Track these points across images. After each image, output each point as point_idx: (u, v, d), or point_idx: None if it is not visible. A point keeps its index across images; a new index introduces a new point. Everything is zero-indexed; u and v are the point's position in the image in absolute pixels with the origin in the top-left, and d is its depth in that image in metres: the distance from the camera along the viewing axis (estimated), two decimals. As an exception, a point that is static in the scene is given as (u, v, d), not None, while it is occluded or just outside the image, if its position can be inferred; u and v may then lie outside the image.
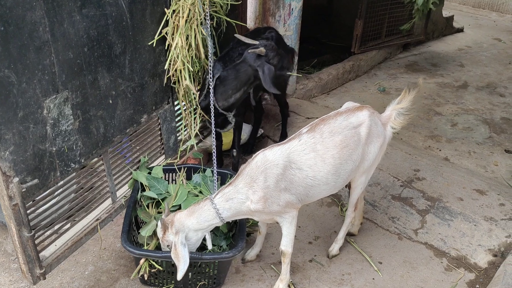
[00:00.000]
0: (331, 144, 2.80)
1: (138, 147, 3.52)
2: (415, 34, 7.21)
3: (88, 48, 2.73)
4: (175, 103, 3.79)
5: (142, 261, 2.85)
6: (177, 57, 3.38)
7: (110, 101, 3.02)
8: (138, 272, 2.86)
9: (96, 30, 2.75)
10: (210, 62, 3.39)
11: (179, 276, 2.63)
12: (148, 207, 3.30)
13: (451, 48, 7.62)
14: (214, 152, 3.26)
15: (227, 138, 4.30)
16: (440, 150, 4.63)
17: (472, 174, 4.06)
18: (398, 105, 3.10)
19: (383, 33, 6.75)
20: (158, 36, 3.27)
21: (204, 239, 2.90)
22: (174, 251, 2.68)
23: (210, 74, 3.37)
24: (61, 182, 2.81)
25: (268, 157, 2.72)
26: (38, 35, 2.39)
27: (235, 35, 3.55)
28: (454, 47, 7.68)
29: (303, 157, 2.76)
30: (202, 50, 3.54)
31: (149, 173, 3.48)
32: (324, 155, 2.78)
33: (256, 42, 3.38)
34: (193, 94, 3.71)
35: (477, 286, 3.18)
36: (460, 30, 8.45)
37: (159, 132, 3.70)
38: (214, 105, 3.57)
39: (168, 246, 2.79)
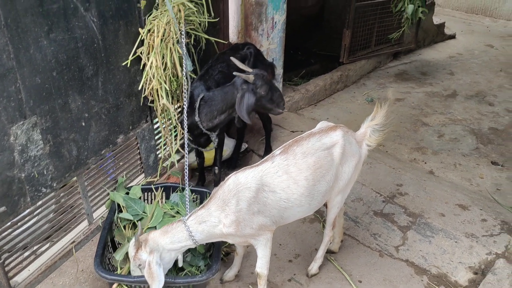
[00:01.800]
0: (304, 166, 2.78)
1: (117, 167, 3.50)
2: (405, 43, 7.19)
3: (57, 72, 2.72)
4: (154, 121, 3.78)
5: (114, 286, 2.82)
6: (153, 77, 3.36)
7: (83, 124, 3.01)
8: (111, 296, 2.83)
9: (65, 54, 2.74)
10: (185, 81, 3.37)
11: None
12: (124, 228, 3.28)
13: (442, 55, 7.60)
14: (186, 173, 3.21)
15: (210, 153, 4.28)
16: (425, 163, 4.59)
17: (456, 188, 4.02)
18: (372, 122, 3.07)
19: (373, 42, 6.73)
20: (132, 56, 3.26)
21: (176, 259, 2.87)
22: (148, 271, 2.64)
23: (185, 93, 3.35)
24: (32, 208, 2.80)
25: (241, 180, 2.69)
26: (1, 62, 2.38)
27: (231, 58, 3.50)
28: (445, 54, 7.65)
29: (276, 179, 2.74)
30: (179, 68, 3.52)
31: (127, 193, 3.46)
32: (297, 177, 2.76)
33: (250, 70, 3.34)
34: (172, 112, 3.69)
35: (457, 305, 3.14)
36: (452, 36, 8.42)
37: (138, 151, 3.68)
38: (198, 125, 3.57)
39: (139, 265, 2.75)
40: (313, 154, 2.81)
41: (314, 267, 3.36)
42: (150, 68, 3.35)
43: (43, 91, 2.65)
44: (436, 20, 8.11)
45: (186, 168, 3.21)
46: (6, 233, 2.70)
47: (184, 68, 3.44)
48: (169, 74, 3.47)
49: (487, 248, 3.35)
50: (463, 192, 3.96)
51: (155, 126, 3.83)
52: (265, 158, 2.87)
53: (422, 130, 5.23)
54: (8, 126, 2.49)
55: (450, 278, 3.30)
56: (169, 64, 3.42)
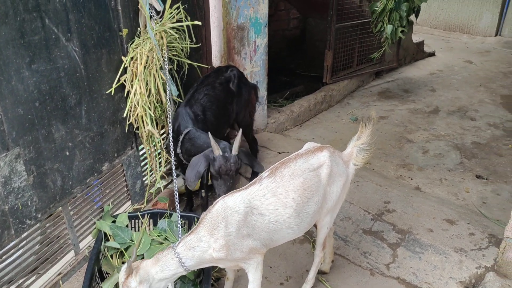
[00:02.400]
0: (292, 188, 2.78)
1: (103, 194, 3.47)
2: (387, 62, 7.32)
3: (39, 102, 2.72)
4: (140, 147, 3.77)
5: (103, 317, 2.76)
6: (137, 104, 3.37)
7: (67, 153, 2.99)
8: (99, 329, 2.77)
9: (47, 84, 2.75)
10: (169, 106, 3.38)
11: None
12: (112, 257, 3.23)
13: (423, 73, 7.74)
14: (176, 198, 3.21)
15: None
16: (411, 179, 4.63)
17: (443, 203, 4.05)
18: (358, 141, 3.09)
19: (355, 62, 6.85)
20: (116, 84, 3.27)
21: None
22: None
23: (169, 119, 3.35)
24: (17, 240, 2.75)
25: (229, 204, 2.68)
26: (-17, 95, 2.37)
27: (210, 136, 3.29)
28: (426, 71, 7.80)
29: (264, 202, 2.73)
30: (163, 94, 3.54)
31: (114, 221, 3.41)
32: (285, 199, 2.76)
33: (220, 153, 3.23)
34: (157, 138, 3.69)
35: (450, 321, 3.13)
36: (432, 54, 8.60)
37: (124, 178, 3.66)
38: (179, 156, 3.58)
39: None
40: (300, 175, 2.82)
41: (305, 289, 3.34)
42: (134, 95, 3.37)
43: (25, 122, 2.64)
44: (416, 38, 8.29)
45: (176, 194, 3.19)
46: (-11, 267, 2.65)
47: (167, 94, 3.46)
48: (153, 101, 3.49)
49: (476, 262, 3.36)
50: (450, 207, 3.99)
51: (141, 153, 3.82)
52: (253, 181, 2.86)
53: (407, 146, 5.29)
54: (-9, 158, 2.46)
55: (441, 294, 3.30)
56: (153, 90, 3.44)
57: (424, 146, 5.27)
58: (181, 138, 3.55)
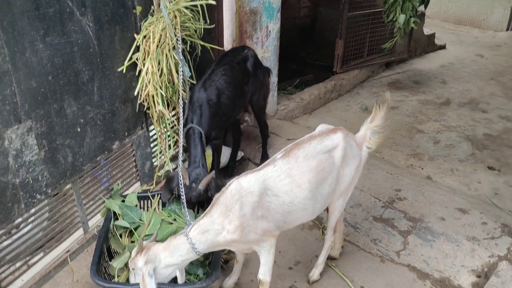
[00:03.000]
0: (306, 169, 2.74)
1: (112, 174, 3.44)
2: (398, 53, 7.24)
3: (52, 76, 2.68)
4: (150, 128, 3.73)
5: (111, 294, 2.74)
6: (149, 83, 3.33)
7: (79, 129, 2.96)
8: (108, 305, 2.74)
9: (61, 58, 2.71)
10: (181, 88, 3.33)
11: None
12: (121, 237, 3.21)
13: (433, 65, 7.66)
14: (180, 182, 3.14)
15: (207, 161, 4.22)
16: (422, 169, 4.58)
17: (454, 193, 4.00)
18: (371, 124, 3.05)
19: (365, 52, 6.77)
20: (128, 62, 3.23)
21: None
22: (142, 282, 2.58)
23: (181, 102, 3.31)
24: (26, 215, 2.72)
25: (243, 185, 2.64)
26: (-3, 65, 2.33)
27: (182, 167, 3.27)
28: (436, 64, 7.72)
29: (278, 183, 2.69)
30: (175, 74, 3.50)
31: (123, 201, 3.39)
32: (300, 180, 2.72)
33: (187, 182, 3.22)
34: (168, 119, 3.65)
35: (461, 309, 3.09)
36: (442, 47, 8.51)
37: (134, 158, 3.62)
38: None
39: (133, 269, 2.69)
40: (314, 156, 2.78)
41: (315, 274, 3.30)
42: (146, 74, 3.33)
43: (38, 95, 2.61)
44: (427, 31, 8.20)
45: (180, 177, 3.14)
46: (-1, 241, 2.62)
47: (180, 75, 3.42)
48: (165, 80, 3.45)
49: (489, 251, 3.32)
50: (462, 197, 3.94)
51: (151, 134, 3.78)
52: (266, 162, 2.82)
53: (417, 137, 5.23)
54: (3, 130, 2.43)
55: (453, 282, 3.26)
56: (165, 70, 3.40)
57: (435, 137, 5.21)
58: (184, 130, 3.50)
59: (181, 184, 3.11)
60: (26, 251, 2.81)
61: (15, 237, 2.73)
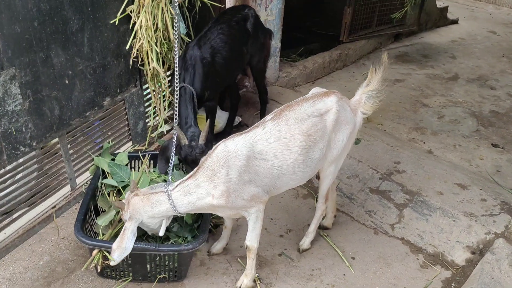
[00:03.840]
0: (297, 132, 2.62)
1: (102, 132, 3.34)
2: (408, 25, 7.01)
3: (38, 22, 2.55)
4: (144, 86, 3.61)
5: (95, 252, 2.67)
6: (142, 38, 3.19)
7: (66, 81, 2.84)
8: (91, 263, 2.69)
9: (48, 4, 2.57)
10: (176, 44, 3.18)
11: (113, 262, 2.52)
12: (109, 195, 3.13)
13: (444, 39, 7.43)
14: (173, 141, 3.02)
15: (201, 124, 4.11)
16: (424, 143, 4.45)
17: (455, 168, 3.89)
18: (367, 88, 2.91)
19: (374, 22, 6.54)
20: (121, 14, 3.08)
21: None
22: (121, 235, 2.52)
23: (176, 58, 3.16)
24: (9, 167, 2.63)
25: (230, 148, 2.52)
26: (-24, 5, 2.20)
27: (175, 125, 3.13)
28: (447, 38, 7.48)
29: (267, 146, 2.57)
30: (171, 30, 3.35)
31: (113, 159, 3.30)
32: (290, 143, 2.60)
33: (186, 142, 3.08)
34: (163, 77, 3.52)
35: (453, 284, 3.02)
36: (455, 21, 8.24)
37: (126, 117, 3.52)
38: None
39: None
40: (306, 119, 2.65)
41: (305, 242, 3.23)
42: (140, 28, 3.18)
43: (23, 41, 2.48)
44: (439, 3, 7.92)
45: (174, 137, 3.03)
46: (-20, 192, 2.55)
47: (174, 30, 3.26)
48: (160, 36, 3.30)
49: (486, 228, 3.23)
50: (463, 172, 3.83)
51: (145, 92, 3.66)
52: (255, 124, 2.70)
53: (421, 111, 5.08)
54: (-17, 75, 2.32)
55: (446, 257, 3.18)
56: (160, 25, 3.25)
57: (440, 112, 5.06)
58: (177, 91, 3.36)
59: (174, 146, 2.99)
60: (11, 205, 2.74)
61: (-3, 189, 2.66)
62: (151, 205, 2.54)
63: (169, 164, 3.03)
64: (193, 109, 3.26)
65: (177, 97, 3.14)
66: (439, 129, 4.70)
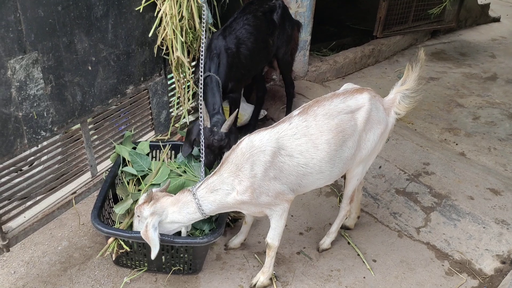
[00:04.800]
0: (325, 128, 2.51)
1: (124, 120, 3.33)
2: (446, 21, 6.73)
3: (62, 7, 2.53)
4: (169, 76, 3.57)
5: (110, 240, 2.66)
6: (167, 26, 3.14)
7: (89, 68, 2.83)
8: (106, 251, 2.68)
9: (72, -12, 2.54)
10: (203, 34, 3.12)
11: (152, 256, 2.48)
12: (128, 184, 3.12)
13: (484, 37, 7.11)
14: (201, 138, 2.97)
15: (225, 115, 4.05)
16: (456, 144, 4.25)
17: (489, 172, 3.69)
18: (402, 87, 2.76)
19: (410, 18, 6.30)
20: (146, 1, 3.04)
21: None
22: (144, 233, 2.48)
23: (202, 47, 3.10)
24: (28, 151, 2.64)
25: (255, 143, 2.45)
26: (0, -13, 2.19)
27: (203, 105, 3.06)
28: (487, 37, 7.16)
29: (293, 142, 2.48)
30: (197, 19, 3.29)
31: (134, 148, 3.28)
32: (317, 140, 2.50)
33: (208, 125, 3.04)
34: (187, 67, 3.47)
35: (480, 294, 2.87)
36: (496, 19, 7.88)
37: (149, 106, 3.49)
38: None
39: (138, 216, 2.60)
40: (335, 116, 2.54)
41: (326, 242, 3.13)
42: (165, 16, 3.14)
43: (46, 25, 2.47)
44: (481, 0, 7.59)
45: (201, 127, 2.96)
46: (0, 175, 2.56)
47: (202, 20, 3.20)
48: (185, 25, 3.25)
49: (518, 237, 3.05)
50: (496, 177, 3.63)
51: (170, 82, 3.63)
52: (282, 119, 2.61)
53: (456, 111, 4.86)
54: (6, 58, 2.31)
55: (474, 266, 3.02)
56: (185, 13, 3.20)
57: (475, 112, 4.83)
58: (201, 78, 3.31)
59: (201, 131, 2.94)
60: (29, 187, 2.75)
61: (20, 173, 2.67)
62: (180, 206, 2.51)
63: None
64: (220, 98, 3.19)
65: (201, 86, 3.09)
66: (473, 131, 4.49)
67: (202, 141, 2.95)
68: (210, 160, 3.08)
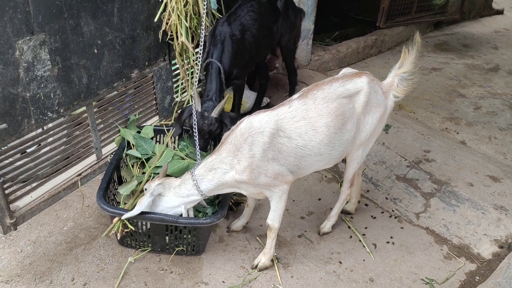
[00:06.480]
0: (324, 111, 2.56)
1: (130, 104, 3.37)
2: (449, 13, 6.74)
3: (69, -11, 2.56)
4: (173, 61, 3.61)
5: (115, 219, 2.71)
6: (172, 11, 3.18)
7: (95, 51, 2.87)
8: (111, 230, 2.73)
9: (79, -29, 2.58)
10: (203, 19, 3.16)
11: (125, 216, 2.59)
12: (133, 167, 3.17)
13: (487, 29, 7.12)
14: (194, 119, 3.03)
15: (228, 103, 4.10)
16: (457, 133, 4.29)
17: (488, 160, 3.73)
18: (400, 70, 2.80)
19: (414, 8, 6.31)
20: (152, -15, 3.08)
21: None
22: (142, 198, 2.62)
23: (202, 33, 3.14)
24: (35, 132, 2.69)
25: (254, 124, 2.50)
26: (8, -32, 2.23)
27: (195, 91, 3.17)
28: (490, 29, 7.17)
29: (292, 125, 2.53)
30: (201, 5, 3.32)
31: (139, 132, 3.33)
32: (316, 123, 2.54)
33: (199, 109, 3.12)
34: (191, 52, 3.51)
35: (477, 277, 2.91)
36: (500, 12, 7.89)
37: (154, 91, 3.53)
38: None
39: (145, 189, 2.71)
40: (334, 99, 2.59)
41: (327, 225, 3.18)
42: (170, 1, 3.17)
43: (53, 7, 2.50)
44: (485, -8, 7.60)
45: (194, 111, 3.03)
46: (8, 154, 2.61)
47: (204, 6, 3.23)
48: (190, 10, 3.28)
49: (516, 222, 3.09)
50: (496, 165, 3.66)
51: (174, 68, 3.67)
52: (282, 102, 2.66)
53: (457, 101, 4.89)
54: (14, 39, 2.35)
55: (472, 250, 3.07)
56: (190, -1, 3.23)
57: (477, 102, 4.86)
58: (203, 64, 3.35)
59: (194, 115, 3.00)
60: (36, 167, 2.80)
61: (27, 153, 2.72)
62: (179, 183, 2.63)
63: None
64: (218, 85, 3.24)
65: (198, 72, 3.16)
66: (474, 120, 4.52)
67: (195, 126, 3.02)
68: (201, 144, 3.15)
